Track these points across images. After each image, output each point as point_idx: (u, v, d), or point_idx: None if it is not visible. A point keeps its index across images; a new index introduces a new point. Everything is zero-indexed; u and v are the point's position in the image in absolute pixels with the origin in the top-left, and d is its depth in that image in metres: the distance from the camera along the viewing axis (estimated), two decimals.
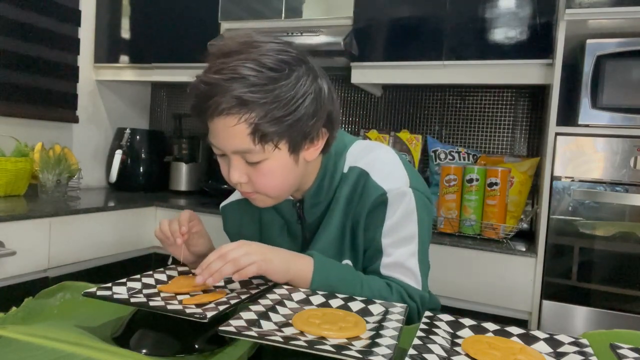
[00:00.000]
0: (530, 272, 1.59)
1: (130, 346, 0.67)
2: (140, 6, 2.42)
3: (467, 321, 0.70)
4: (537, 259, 1.59)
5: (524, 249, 1.65)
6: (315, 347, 0.57)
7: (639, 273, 1.49)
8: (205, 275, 0.76)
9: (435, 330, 0.67)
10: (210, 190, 2.36)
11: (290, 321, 0.67)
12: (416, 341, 0.61)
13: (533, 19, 1.72)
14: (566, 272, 1.56)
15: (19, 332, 0.64)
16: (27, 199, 1.92)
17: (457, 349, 0.63)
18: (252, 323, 0.64)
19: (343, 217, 0.94)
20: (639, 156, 1.49)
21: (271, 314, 0.68)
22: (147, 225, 2.11)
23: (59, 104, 2.32)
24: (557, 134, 1.59)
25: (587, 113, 1.56)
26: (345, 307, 0.74)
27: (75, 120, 2.40)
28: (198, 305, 0.71)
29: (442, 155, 2.08)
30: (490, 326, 0.69)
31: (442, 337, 0.65)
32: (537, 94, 2.10)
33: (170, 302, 0.73)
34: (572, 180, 1.56)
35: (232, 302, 0.72)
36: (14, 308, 0.76)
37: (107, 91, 2.62)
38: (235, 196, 1.09)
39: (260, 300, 0.72)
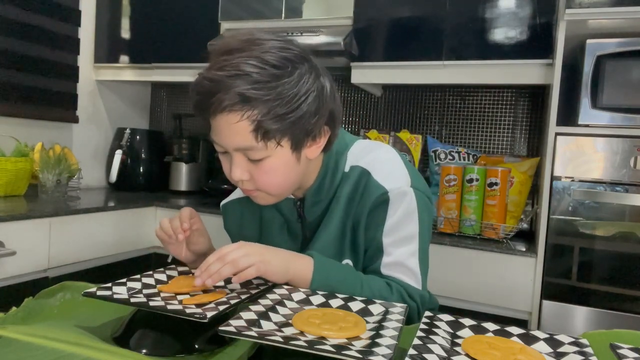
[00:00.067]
0: (530, 272, 1.59)
1: (130, 346, 0.67)
2: (140, 6, 2.42)
3: (467, 321, 0.70)
4: (537, 259, 1.59)
5: (524, 249, 1.64)
6: (315, 347, 0.57)
7: (639, 273, 1.49)
8: (204, 277, 0.76)
9: (435, 330, 0.67)
10: (210, 190, 2.36)
11: (290, 321, 0.67)
12: (416, 341, 0.61)
13: (533, 19, 1.72)
14: (566, 272, 1.56)
15: (19, 332, 0.64)
16: (27, 199, 1.92)
17: (457, 349, 0.63)
18: (252, 323, 0.64)
19: (344, 216, 0.94)
20: (639, 156, 1.49)
21: (271, 314, 0.68)
22: (147, 225, 2.11)
23: (59, 104, 2.32)
24: (557, 134, 1.59)
25: (587, 113, 1.56)
26: (345, 307, 0.74)
27: (75, 120, 2.40)
28: (198, 305, 0.71)
29: (442, 155, 2.08)
30: (490, 326, 0.69)
31: (442, 337, 0.65)
32: (537, 94, 2.10)
33: (170, 302, 0.73)
34: (572, 180, 1.56)
35: (232, 302, 0.72)
36: (14, 308, 0.76)
37: (107, 91, 2.62)
38: (235, 194, 1.09)
39: (260, 300, 0.72)
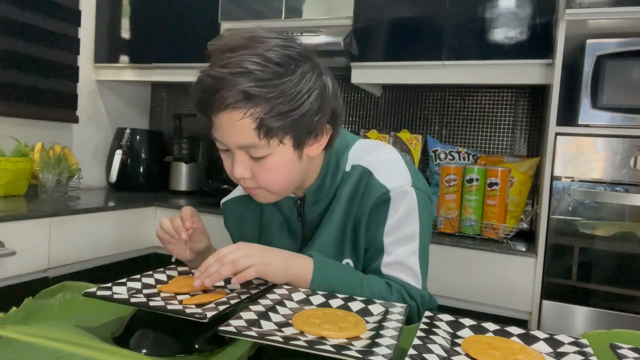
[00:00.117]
0: (530, 272, 1.59)
1: (130, 346, 0.67)
2: (140, 6, 2.42)
3: (467, 321, 0.70)
4: (537, 259, 1.59)
5: (524, 249, 1.64)
6: (315, 347, 0.57)
7: (639, 273, 1.49)
8: (202, 278, 0.76)
9: (435, 330, 0.67)
10: (210, 190, 2.36)
11: (290, 321, 0.67)
12: (416, 341, 0.61)
13: (533, 19, 1.72)
14: (566, 272, 1.56)
15: (19, 332, 0.64)
16: (27, 199, 1.92)
17: (457, 349, 0.63)
18: (252, 323, 0.64)
19: (344, 215, 0.94)
20: (639, 156, 1.49)
21: (271, 314, 0.68)
22: (147, 225, 2.11)
23: (59, 104, 2.32)
24: (557, 134, 1.59)
25: (587, 113, 1.56)
26: (345, 307, 0.74)
27: (75, 120, 2.40)
28: (198, 305, 0.71)
29: (442, 155, 2.08)
30: (490, 326, 0.69)
31: (442, 337, 0.65)
32: (537, 94, 2.10)
33: (170, 302, 0.73)
34: (572, 180, 1.56)
35: (232, 302, 0.72)
36: (14, 308, 0.76)
37: (107, 91, 2.62)
38: (236, 192, 1.10)
39: (260, 300, 0.72)
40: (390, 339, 0.60)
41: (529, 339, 0.66)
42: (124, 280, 0.80)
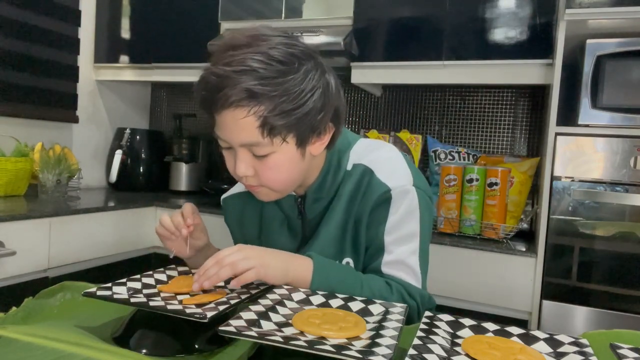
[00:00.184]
0: (530, 272, 1.59)
1: (130, 346, 0.67)
2: (140, 6, 2.42)
3: (467, 321, 0.70)
4: (537, 259, 1.59)
5: (524, 249, 1.64)
6: (315, 347, 0.57)
7: (639, 273, 1.49)
8: (201, 281, 0.76)
9: (435, 330, 0.67)
10: (210, 190, 2.36)
11: (290, 321, 0.67)
12: (416, 341, 0.61)
13: (533, 19, 1.72)
14: (566, 272, 1.56)
15: (19, 332, 0.64)
16: (27, 199, 1.92)
17: (457, 349, 0.63)
18: (252, 323, 0.64)
19: (345, 214, 0.94)
20: (639, 156, 1.49)
21: (271, 314, 0.68)
22: (147, 225, 2.11)
23: (59, 104, 2.32)
24: (557, 134, 1.59)
25: (587, 113, 1.56)
26: (345, 307, 0.74)
27: (75, 120, 2.40)
28: (198, 305, 0.71)
29: (442, 155, 2.08)
30: (490, 326, 0.69)
31: (442, 337, 0.65)
32: (537, 94, 2.10)
33: (170, 302, 0.73)
34: (572, 180, 1.56)
35: (232, 302, 0.72)
36: (14, 308, 0.76)
37: (107, 91, 2.62)
38: (236, 189, 1.09)
39: (260, 300, 0.72)
40: (390, 339, 0.60)
41: (529, 339, 0.66)
42: (124, 280, 0.80)
